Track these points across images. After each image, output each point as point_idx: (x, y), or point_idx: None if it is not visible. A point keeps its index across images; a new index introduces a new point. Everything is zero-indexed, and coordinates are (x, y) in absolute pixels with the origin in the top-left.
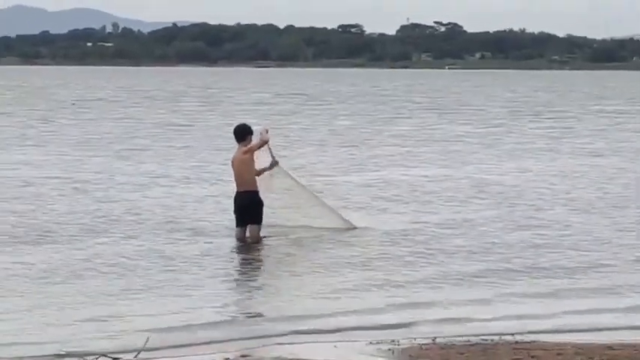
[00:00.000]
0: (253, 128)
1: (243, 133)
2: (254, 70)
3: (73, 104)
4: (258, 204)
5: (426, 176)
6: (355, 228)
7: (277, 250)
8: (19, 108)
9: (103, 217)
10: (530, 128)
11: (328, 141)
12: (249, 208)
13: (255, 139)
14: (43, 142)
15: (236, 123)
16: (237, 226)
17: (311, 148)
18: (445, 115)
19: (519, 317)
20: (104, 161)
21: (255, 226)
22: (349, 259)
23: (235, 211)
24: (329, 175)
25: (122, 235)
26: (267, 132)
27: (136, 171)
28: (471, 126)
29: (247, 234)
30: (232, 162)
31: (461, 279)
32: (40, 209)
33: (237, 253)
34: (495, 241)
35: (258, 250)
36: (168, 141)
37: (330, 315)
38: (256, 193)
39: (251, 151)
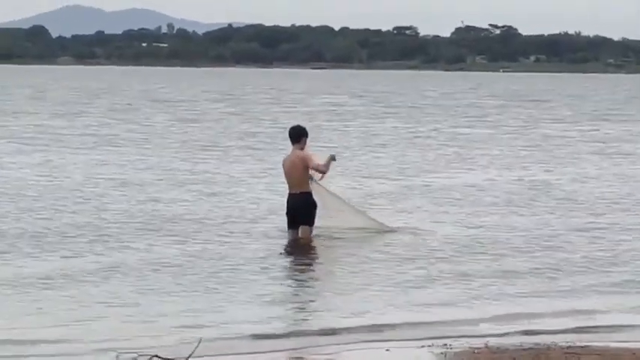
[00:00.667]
0: (329, 154)
1: (298, 134)
2: (311, 72)
3: (129, 105)
4: (311, 205)
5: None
6: (395, 230)
7: (329, 251)
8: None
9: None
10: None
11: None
12: (301, 209)
13: (321, 161)
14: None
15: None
16: (289, 228)
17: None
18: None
19: (572, 318)
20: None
21: (307, 227)
22: (398, 259)
23: (287, 213)
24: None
25: (175, 237)
26: (334, 160)
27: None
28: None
29: (299, 234)
30: (284, 163)
31: (513, 277)
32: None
33: (289, 255)
34: (554, 239)
35: (310, 252)
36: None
37: (380, 316)
38: (309, 194)
39: (308, 163)
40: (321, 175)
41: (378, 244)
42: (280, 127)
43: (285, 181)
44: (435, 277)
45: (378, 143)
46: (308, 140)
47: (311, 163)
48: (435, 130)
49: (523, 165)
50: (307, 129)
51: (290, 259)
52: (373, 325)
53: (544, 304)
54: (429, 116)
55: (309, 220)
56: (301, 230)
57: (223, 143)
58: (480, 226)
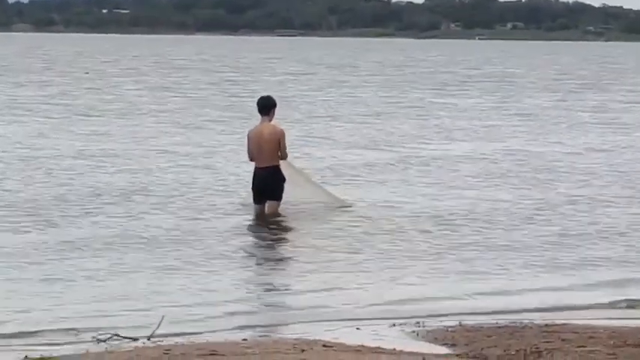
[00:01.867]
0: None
1: (268, 106)
2: (278, 39)
3: (87, 73)
4: (281, 180)
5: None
6: (350, 205)
7: (296, 228)
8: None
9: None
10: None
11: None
12: (271, 184)
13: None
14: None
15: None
16: (256, 203)
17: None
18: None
19: (550, 296)
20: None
21: (274, 202)
22: (368, 236)
23: (254, 187)
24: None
25: (140, 211)
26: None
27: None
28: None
29: (267, 209)
30: (251, 135)
31: (484, 253)
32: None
33: (256, 233)
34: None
35: (277, 228)
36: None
37: (349, 295)
38: (279, 168)
39: (281, 140)
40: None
41: (346, 219)
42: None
43: (251, 154)
44: (405, 254)
45: (358, 113)
46: (276, 111)
47: (284, 140)
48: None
49: (503, 137)
50: (276, 100)
51: (256, 236)
52: (343, 304)
53: (519, 282)
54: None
55: (278, 195)
56: (269, 205)
57: (193, 113)
58: (456, 199)
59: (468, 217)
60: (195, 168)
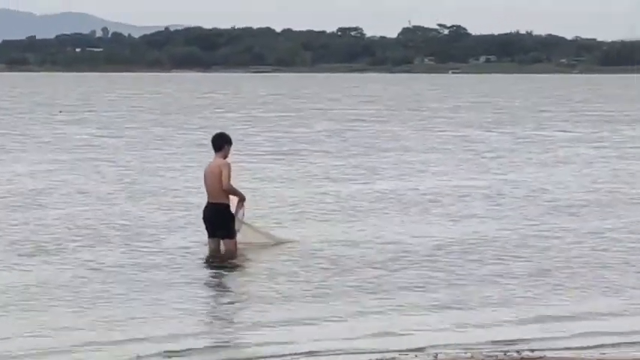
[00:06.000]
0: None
1: (220, 142)
2: (253, 76)
3: (60, 112)
4: (229, 218)
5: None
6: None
7: (251, 262)
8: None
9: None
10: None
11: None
12: (218, 221)
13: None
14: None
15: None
16: (210, 237)
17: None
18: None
19: (523, 328)
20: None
21: (228, 241)
22: (332, 273)
23: (205, 222)
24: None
25: (97, 244)
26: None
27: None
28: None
29: (223, 249)
30: (205, 171)
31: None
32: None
33: (212, 267)
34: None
35: (234, 263)
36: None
37: (312, 328)
38: (227, 206)
39: (223, 171)
40: (239, 202)
41: (311, 253)
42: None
43: (205, 190)
44: (372, 288)
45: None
46: (232, 148)
47: (225, 170)
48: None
49: (460, 170)
50: (231, 137)
51: (213, 270)
52: (309, 340)
53: (489, 315)
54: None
55: (229, 233)
56: (224, 243)
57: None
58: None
59: (435, 251)
60: (154, 204)
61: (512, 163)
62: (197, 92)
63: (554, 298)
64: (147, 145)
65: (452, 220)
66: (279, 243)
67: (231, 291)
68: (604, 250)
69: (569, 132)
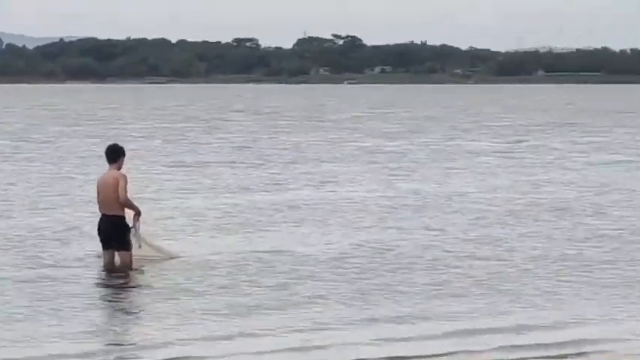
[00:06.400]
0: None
1: (115, 154)
2: (146, 87)
3: None
4: (124, 229)
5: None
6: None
7: (141, 277)
8: None
9: None
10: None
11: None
12: (114, 233)
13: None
14: None
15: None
16: (104, 249)
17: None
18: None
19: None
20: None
21: (124, 253)
22: (222, 285)
23: (99, 235)
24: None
25: None
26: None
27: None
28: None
29: (118, 262)
30: (98, 183)
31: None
32: None
33: (105, 279)
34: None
35: (127, 275)
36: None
37: (215, 344)
38: (122, 218)
39: (120, 182)
40: (135, 215)
41: (211, 266)
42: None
43: (98, 201)
44: (295, 300)
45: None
46: (125, 159)
47: (122, 182)
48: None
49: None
50: (125, 148)
51: (107, 283)
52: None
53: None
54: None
55: (124, 245)
56: (119, 255)
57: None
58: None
59: (336, 261)
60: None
61: (416, 173)
62: (98, 103)
63: (459, 309)
64: (45, 156)
65: (354, 230)
66: (174, 257)
67: (125, 306)
68: (502, 260)
69: (473, 142)
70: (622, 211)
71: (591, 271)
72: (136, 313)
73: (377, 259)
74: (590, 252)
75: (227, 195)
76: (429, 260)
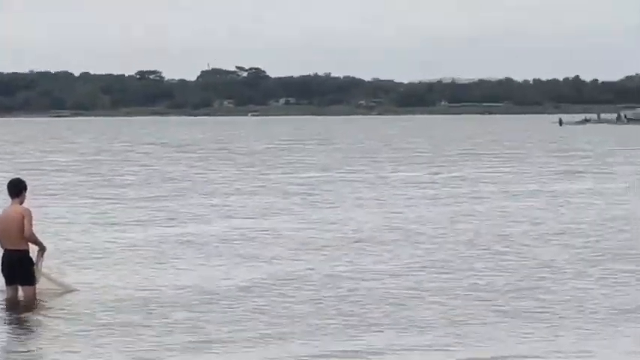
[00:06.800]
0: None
1: (17, 188)
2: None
3: None
4: (28, 264)
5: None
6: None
7: (46, 312)
8: None
9: None
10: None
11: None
12: (17, 268)
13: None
14: None
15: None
16: (7, 285)
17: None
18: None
19: None
20: None
21: (28, 288)
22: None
23: (2, 271)
24: None
25: None
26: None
27: None
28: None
29: (22, 296)
30: (0, 218)
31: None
32: None
33: (6, 315)
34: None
35: (29, 311)
36: None
37: None
38: (26, 252)
39: (25, 216)
40: (39, 251)
41: (113, 299)
42: None
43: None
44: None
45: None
46: (27, 194)
47: (27, 218)
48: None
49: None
50: (27, 182)
51: (9, 319)
52: None
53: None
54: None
55: (29, 280)
56: (22, 290)
57: None
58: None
59: (239, 292)
60: None
61: (321, 204)
62: (4, 136)
63: (374, 342)
64: None
65: (258, 261)
66: (73, 290)
67: (27, 343)
68: (413, 289)
69: (389, 172)
70: (530, 241)
71: (497, 299)
72: (39, 350)
73: (285, 288)
74: (499, 281)
75: (137, 228)
76: (340, 291)
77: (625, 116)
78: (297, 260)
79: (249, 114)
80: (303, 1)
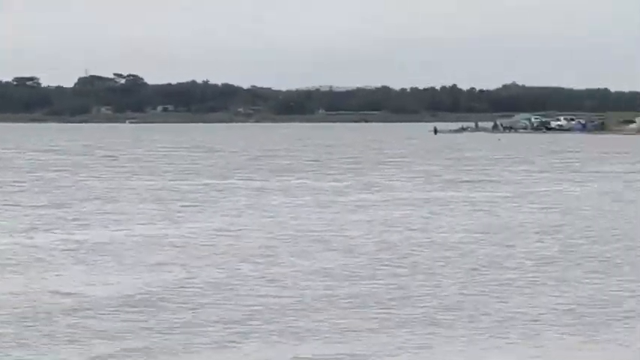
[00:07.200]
0: None
1: None
2: None
3: None
4: None
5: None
6: None
7: None
8: None
9: None
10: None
11: None
12: None
13: None
14: None
15: None
16: None
17: None
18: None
19: None
20: None
21: None
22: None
23: None
24: None
25: None
26: None
27: None
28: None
29: None
30: None
31: None
32: None
33: None
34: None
35: None
36: None
37: None
38: None
39: None
40: None
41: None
42: None
43: None
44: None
45: None
46: None
47: None
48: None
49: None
50: None
51: None
52: None
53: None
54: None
55: None
56: None
57: None
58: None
59: (117, 300)
60: None
61: (202, 212)
62: None
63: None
64: None
65: (145, 268)
66: None
67: None
68: (292, 297)
69: (256, 180)
70: (410, 248)
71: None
72: None
73: (167, 298)
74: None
75: (15, 235)
76: (219, 297)
77: (501, 125)
78: (176, 266)
79: (127, 121)
80: (186, 5)
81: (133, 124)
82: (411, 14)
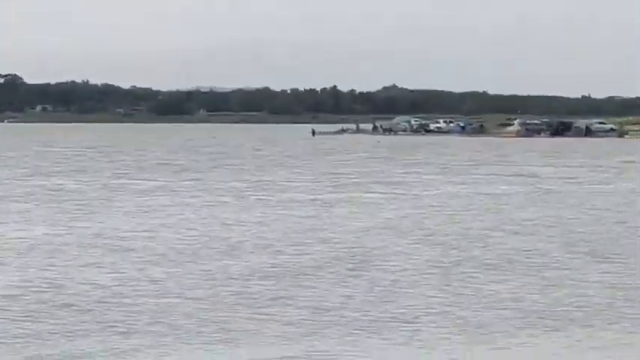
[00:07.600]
0: None
1: None
2: None
3: None
4: None
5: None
6: None
7: None
8: None
9: None
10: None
11: None
12: None
13: None
14: None
15: None
16: None
17: None
18: None
19: None
20: None
21: None
22: None
23: None
24: None
25: None
26: None
27: None
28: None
29: None
30: None
31: None
32: None
33: None
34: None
35: None
36: None
37: None
38: None
39: None
40: None
41: None
42: None
43: None
44: None
45: None
46: None
47: None
48: None
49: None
50: None
51: None
52: None
53: None
54: None
55: None
56: None
57: None
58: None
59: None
60: None
61: (97, 213)
62: None
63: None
64: None
65: (23, 269)
66: None
67: None
68: (185, 297)
69: (154, 181)
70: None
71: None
72: None
73: (46, 299)
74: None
75: None
76: (97, 299)
77: (381, 126)
78: (57, 266)
79: (6, 120)
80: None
81: (12, 124)
82: (293, 15)
